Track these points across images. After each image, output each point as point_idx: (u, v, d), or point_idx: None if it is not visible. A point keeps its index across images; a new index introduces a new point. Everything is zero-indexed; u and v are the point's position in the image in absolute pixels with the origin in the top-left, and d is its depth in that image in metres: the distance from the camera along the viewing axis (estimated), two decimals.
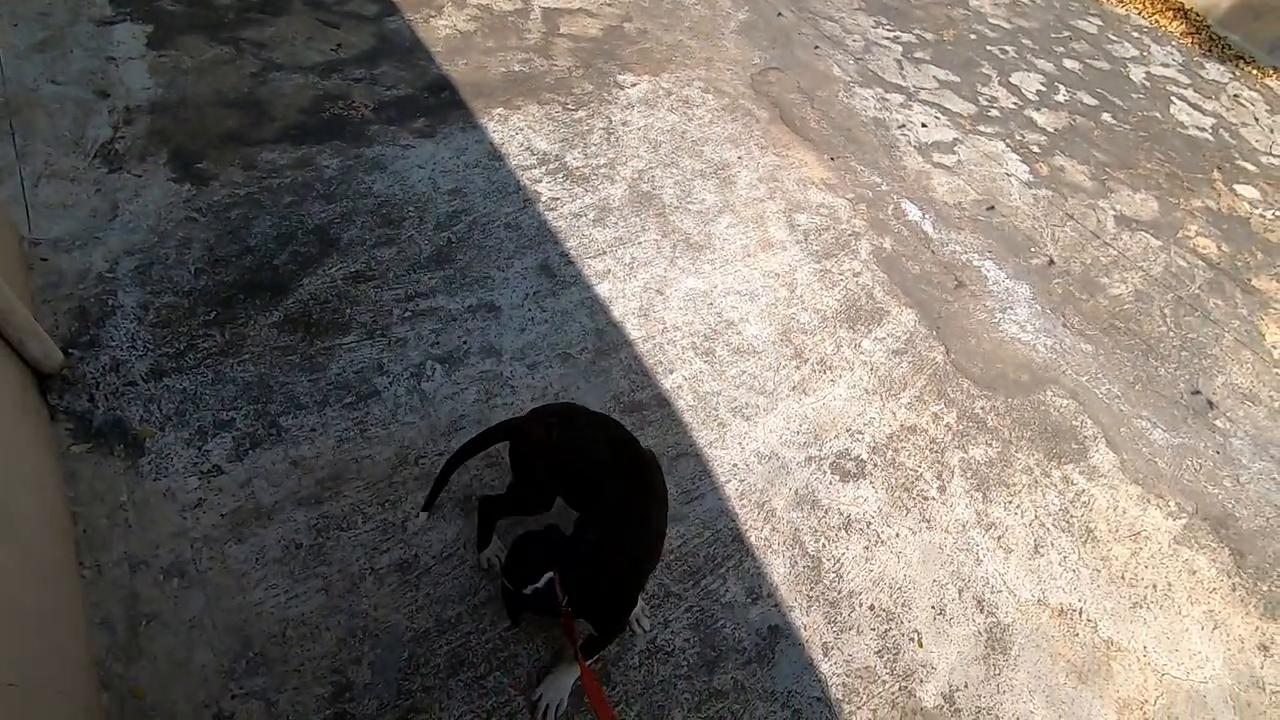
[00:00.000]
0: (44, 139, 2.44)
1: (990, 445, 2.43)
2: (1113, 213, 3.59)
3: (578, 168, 2.92)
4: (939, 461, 2.34)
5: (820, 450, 2.27)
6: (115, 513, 1.71)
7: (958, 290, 2.94)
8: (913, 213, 3.23)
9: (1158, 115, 4.47)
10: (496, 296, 2.38)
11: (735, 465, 2.16)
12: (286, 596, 1.67)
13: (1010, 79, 4.35)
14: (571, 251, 2.60)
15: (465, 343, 2.24)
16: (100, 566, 1.62)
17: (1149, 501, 2.42)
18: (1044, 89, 4.37)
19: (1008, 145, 3.82)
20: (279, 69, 2.93)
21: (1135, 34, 5.36)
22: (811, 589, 1.95)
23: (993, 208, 3.40)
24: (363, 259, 2.37)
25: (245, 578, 1.67)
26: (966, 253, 3.12)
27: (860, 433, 2.35)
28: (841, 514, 2.13)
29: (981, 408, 2.53)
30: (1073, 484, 2.40)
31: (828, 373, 2.49)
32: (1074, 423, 2.58)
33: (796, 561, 2.00)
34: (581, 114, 3.17)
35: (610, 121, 3.18)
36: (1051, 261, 3.22)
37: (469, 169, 2.77)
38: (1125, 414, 2.67)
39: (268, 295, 2.20)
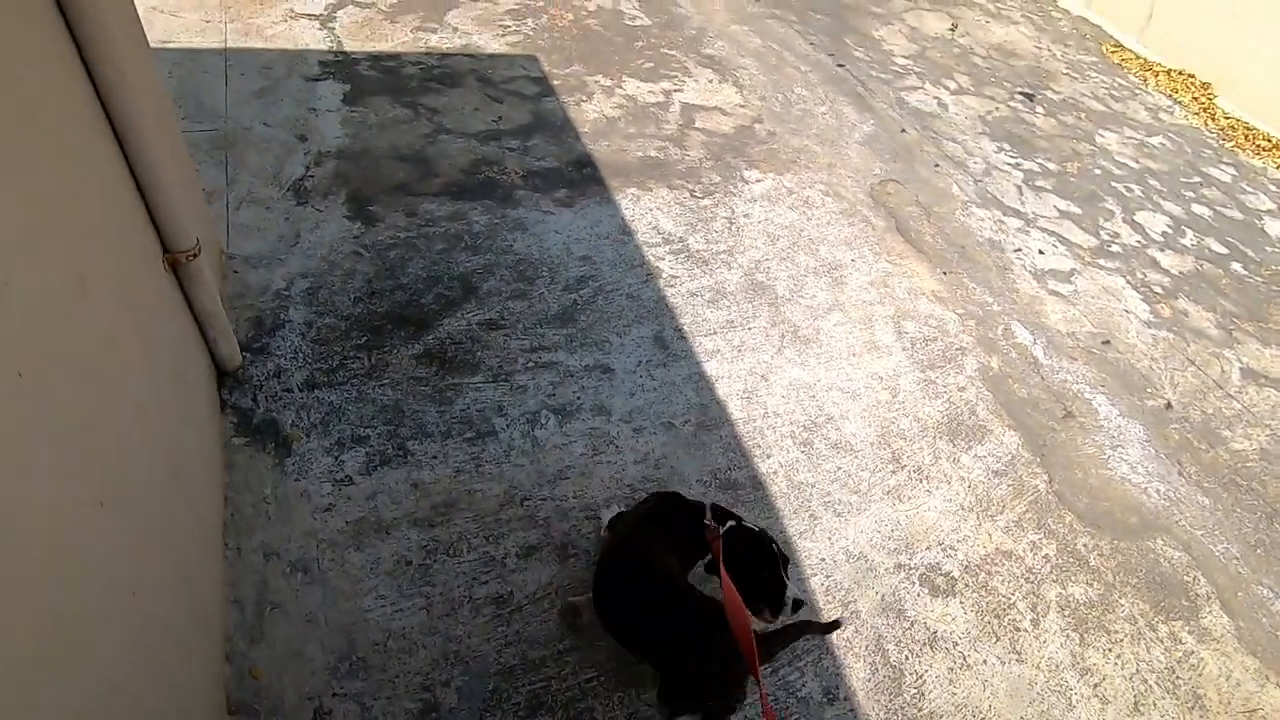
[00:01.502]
0: (250, 171, 2.83)
1: (1091, 586, 2.33)
2: (1239, 364, 3.45)
3: (699, 250, 3.10)
4: (1034, 593, 2.26)
5: (910, 560, 2.24)
6: (260, 504, 1.89)
7: (1066, 420, 2.88)
8: (1023, 335, 3.22)
9: None
10: (612, 360, 2.53)
11: (823, 560, 2.17)
12: (392, 608, 1.78)
13: (1134, 217, 4.32)
14: (685, 327, 2.74)
15: (579, 398, 2.38)
16: (240, 550, 1.80)
17: (1267, 678, 2.23)
18: (1170, 231, 4.31)
19: (1128, 282, 3.77)
20: (447, 132, 3.30)
21: (1273, 187, 5.23)
22: (891, 700, 1.90)
23: (1108, 342, 3.35)
24: (497, 308, 2.59)
25: (359, 584, 1.81)
26: (1078, 384, 3.06)
27: (953, 549, 2.31)
28: (928, 629, 2.09)
29: (1084, 545, 2.44)
30: (1181, 643, 2.25)
31: (924, 482, 2.47)
32: (1185, 578, 2.44)
33: (878, 669, 1.96)
34: (707, 202, 3.39)
35: (733, 212, 3.37)
36: (1169, 405, 3.12)
37: (600, 239, 2.99)
38: (1244, 577, 2.50)
39: (412, 329, 2.43)
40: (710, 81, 4.29)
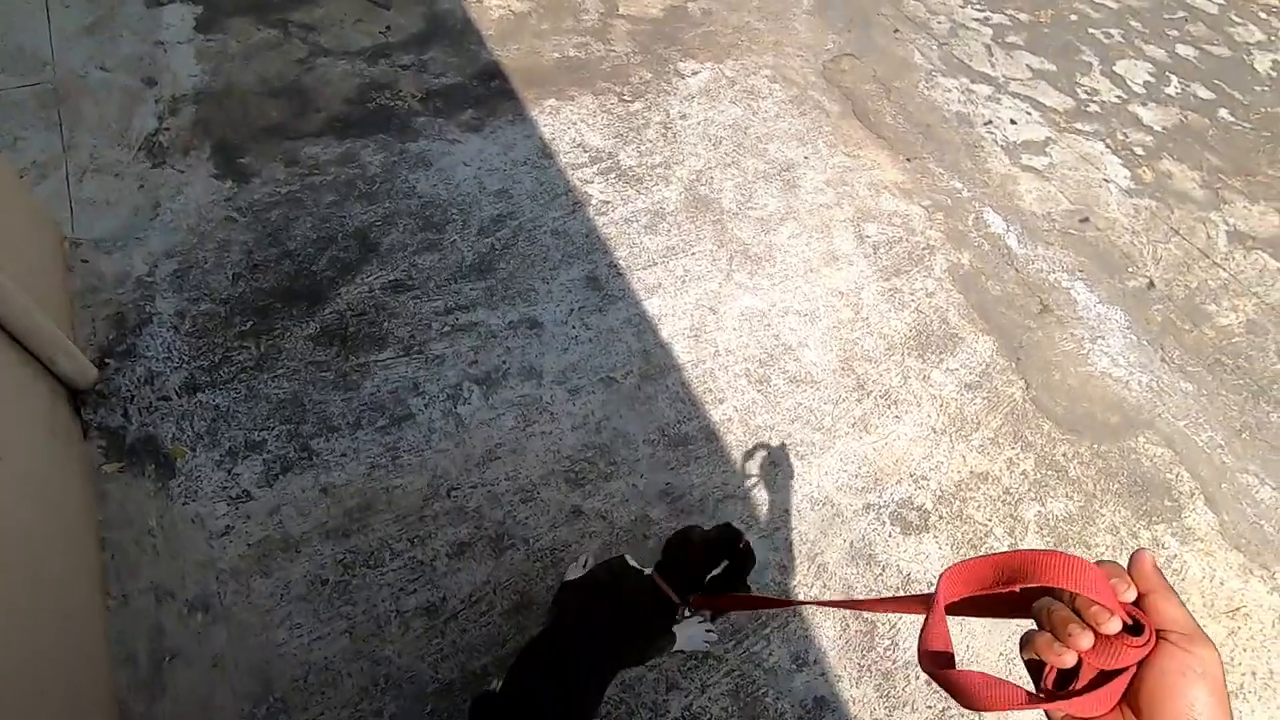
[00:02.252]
0: (91, 129, 2.39)
1: (1071, 499, 2.20)
2: (1225, 227, 3.21)
3: (631, 167, 2.74)
4: (1012, 515, 2.14)
5: (880, 497, 2.09)
6: (144, 538, 1.67)
7: (1042, 315, 2.67)
8: (996, 224, 2.94)
9: None
10: (539, 311, 2.25)
11: (786, 510, 2.01)
12: (310, 638, 1.61)
13: (1114, 68, 3.92)
14: (621, 262, 2.44)
15: (505, 362, 2.12)
16: (127, 596, 1.59)
17: (1251, 572, 2.16)
18: (1153, 80, 3.93)
19: (1108, 146, 3.45)
20: (326, 54, 2.82)
21: (1263, 14, 4.77)
22: (863, 657, 1.80)
23: (1087, 219, 3.08)
24: (403, 266, 2.27)
25: (269, 614, 1.62)
26: (1055, 272, 2.83)
27: (925, 479, 2.15)
28: (901, 572, 1.96)
29: (1063, 454, 2.30)
30: (1164, 547, 2.16)
31: (892, 408, 2.29)
32: (1168, 475, 2.33)
33: (849, 625, 1.84)
34: (638, 106, 2.98)
35: (668, 115, 2.97)
36: (1151, 284, 2.90)
37: (517, 167, 2.62)
38: (1229, 467, 2.39)
39: (305, 305, 2.13)
40: None
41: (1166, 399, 2.53)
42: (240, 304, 2.09)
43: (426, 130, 2.66)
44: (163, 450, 1.79)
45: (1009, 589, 0.53)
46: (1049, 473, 2.24)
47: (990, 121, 3.41)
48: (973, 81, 3.59)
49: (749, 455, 2.08)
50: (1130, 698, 0.50)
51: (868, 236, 2.75)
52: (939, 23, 3.91)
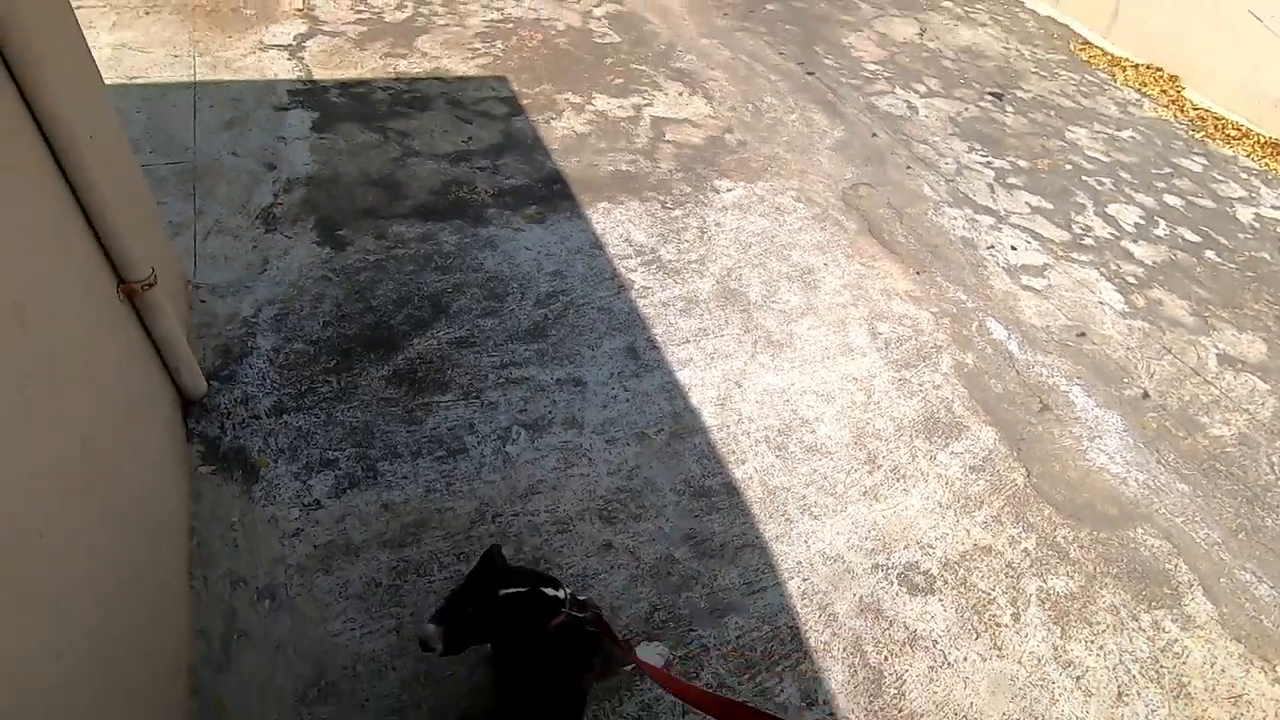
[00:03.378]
0: (218, 201, 2.85)
1: (1072, 578, 2.32)
2: (1215, 351, 3.46)
3: (670, 261, 3.11)
4: (1014, 588, 2.25)
5: (888, 559, 2.23)
6: (227, 532, 1.88)
7: (1042, 413, 2.88)
8: (998, 331, 3.23)
9: (1266, 256, 4.34)
10: (584, 373, 2.54)
11: (799, 563, 2.16)
12: (362, 632, 1.77)
13: (1106, 210, 4.36)
14: (657, 337, 2.74)
15: (550, 412, 2.38)
16: (207, 580, 1.78)
17: (1251, 663, 2.22)
18: (1143, 222, 4.34)
19: (1102, 274, 3.79)
20: (417, 155, 3.32)
21: (1243, 175, 5.28)
22: (870, 703, 1.89)
23: (1083, 334, 3.36)
24: (467, 327, 2.59)
25: (328, 608, 1.79)
26: (1053, 376, 3.07)
27: (931, 547, 2.30)
28: (907, 628, 2.07)
29: (1064, 537, 2.44)
30: (1164, 631, 2.24)
31: (901, 481, 2.47)
32: (1167, 566, 2.44)
33: (857, 671, 1.94)
34: (678, 213, 3.41)
35: (704, 221, 3.39)
36: (1146, 394, 3.12)
37: (571, 254, 3.00)
38: (1226, 563, 2.49)
39: (381, 351, 2.43)
40: (680, 94, 4.33)
41: (1163, 497, 2.67)
42: (327, 346, 2.41)
43: (495, 220, 3.08)
44: (250, 460, 2.04)
45: None
46: (1050, 552, 2.38)
47: (992, 246, 3.79)
48: (976, 213, 4.02)
49: (766, 510, 2.26)
50: None
51: (880, 334, 3.05)
52: (946, 164, 4.42)
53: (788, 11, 5.82)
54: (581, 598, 1.54)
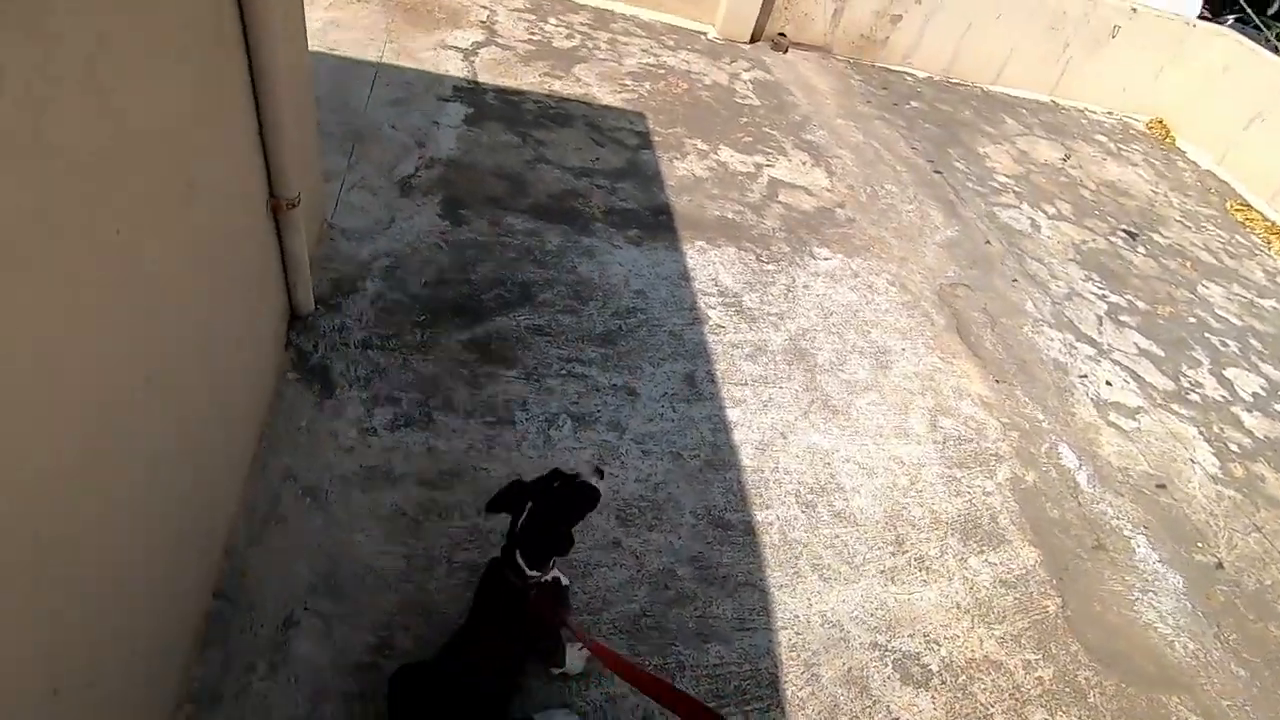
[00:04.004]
0: (370, 162, 3.22)
1: None
2: None
3: (750, 308, 3.22)
4: (1017, 713, 2.14)
5: (889, 642, 2.18)
6: (294, 432, 2.11)
7: (1096, 550, 2.74)
8: (1069, 458, 3.10)
9: None
10: (640, 385, 2.66)
11: (797, 617, 2.15)
12: (378, 549, 1.93)
13: (1224, 372, 4.10)
14: (718, 373, 2.84)
15: (599, 411, 2.51)
16: (265, 467, 2.01)
17: None
18: (1263, 394, 4.06)
19: (1201, 433, 3.57)
20: (547, 162, 3.63)
21: None
22: None
23: (1164, 486, 3.17)
24: (547, 317, 2.78)
25: (356, 521, 1.97)
26: (1118, 519, 2.91)
27: (937, 644, 2.23)
28: (890, 713, 2.01)
29: (1086, 679, 2.29)
30: None
31: (923, 572, 2.42)
32: None
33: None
34: (771, 267, 3.52)
35: (794, 281, 3.49)
36: (1220, 565, 2.90)
37: (658, 279, 3.17)
38: None
39: (466, 319, 2.66)
40: (803, 163, 4.50)
41: (1213, 674, 2.46)
42: (422, 303, 2.66)
43: (599, 233, 3.31)
44: (330, 379, 2.28)
45: None
46: (1066, 689, 2.24)
47: (1086, 376, 3.66)
48: (1077, 340, 3.90)
49: (778, 559, 2.27)
50: None
51: (941, 427, 3.01)
52: (1058, 286, 4.32)
53: (932, 112, 5.91)
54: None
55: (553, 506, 1.58)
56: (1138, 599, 2.62)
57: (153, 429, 1.31)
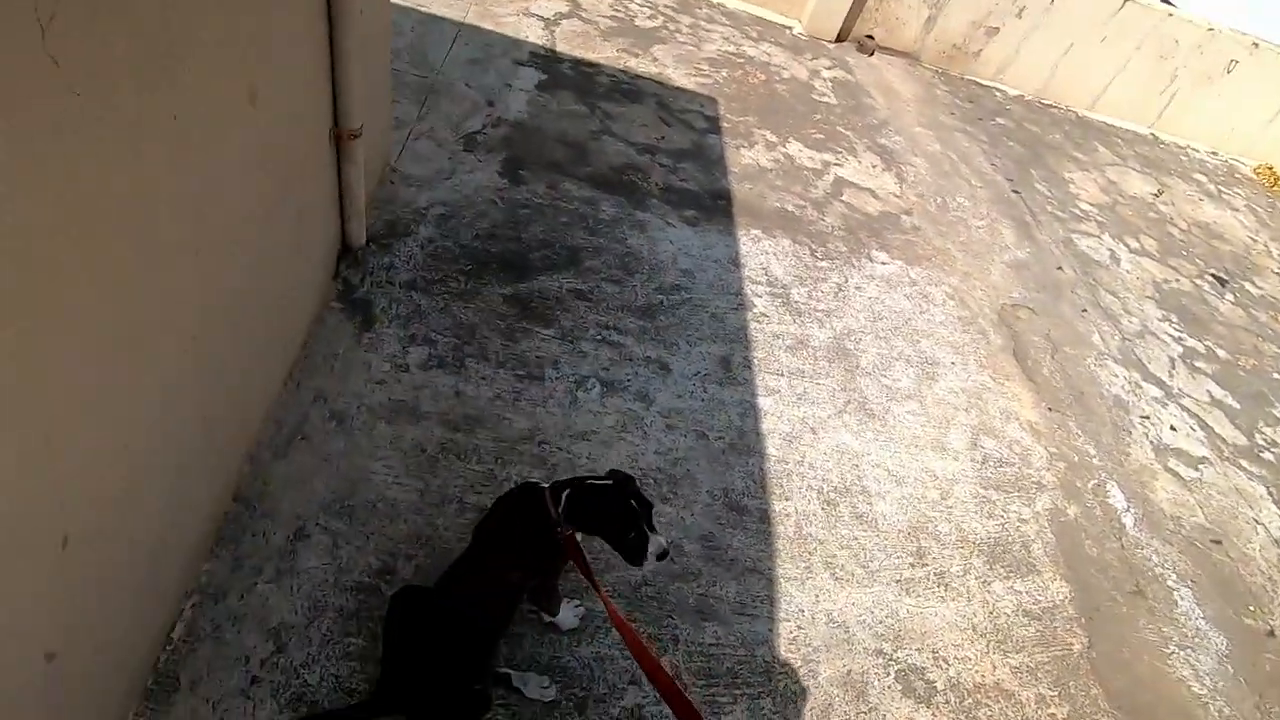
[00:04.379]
0: (439, 115, 3.28)
1: None
2: None
3: (798, 301, 3.15)
4: None
5: (895, 651, 2.10)
6: (329, 358, 2.17)
7: (1134, 596, 2.58)
8: (1117, 499, 2.93)
9: None
10: (674, 361, 2.63)
11: (802, 611, 2.09)
12: (393, 480, 1.96)
13: None
14: (755, 360, 2.78)
15: (629, 381, 2.50)
16: (298, 385, 2.06)
17: None
18: None
19: (1271, 494, 3.32)
20: (612, 135, 3.62)
21: None
22: None
23: (1219, 542, 2.96)
24: (591, 284, 2.78)
25: (377, 450, 2.01)
26: (1163, 568, 2.74)
27: (946, 663, 2.13)
28: None
29: None
30: None
31: (941, 589, 2.32)
32: None
33: None
34: (825, 264, 3.44)
35: (846, 281, 3.39)
36: (1273, 633, 2.69)
37: (707, 261, 3.13)
38: None
39: (512, 274, 2.68)
40: (873, 167, 4.37)
41: None
42: (470, 253, 2.69)
43: (654, 209, 3.29)
44: (371, 313, 2.34)
45: None
46: None
47: (1148, 418, 3.45)
48: (1144, 380, 3.68)
49: (790, 551, 2.22)
50: None
51: (982, 447, 2.88)
52: (1130, 322, 4.08)
53: (1018, 131, 5.68)
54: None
55: (612, 499, 1.52)
56: (1173, 653, 2.46)
57: (205, 324, 1.36)
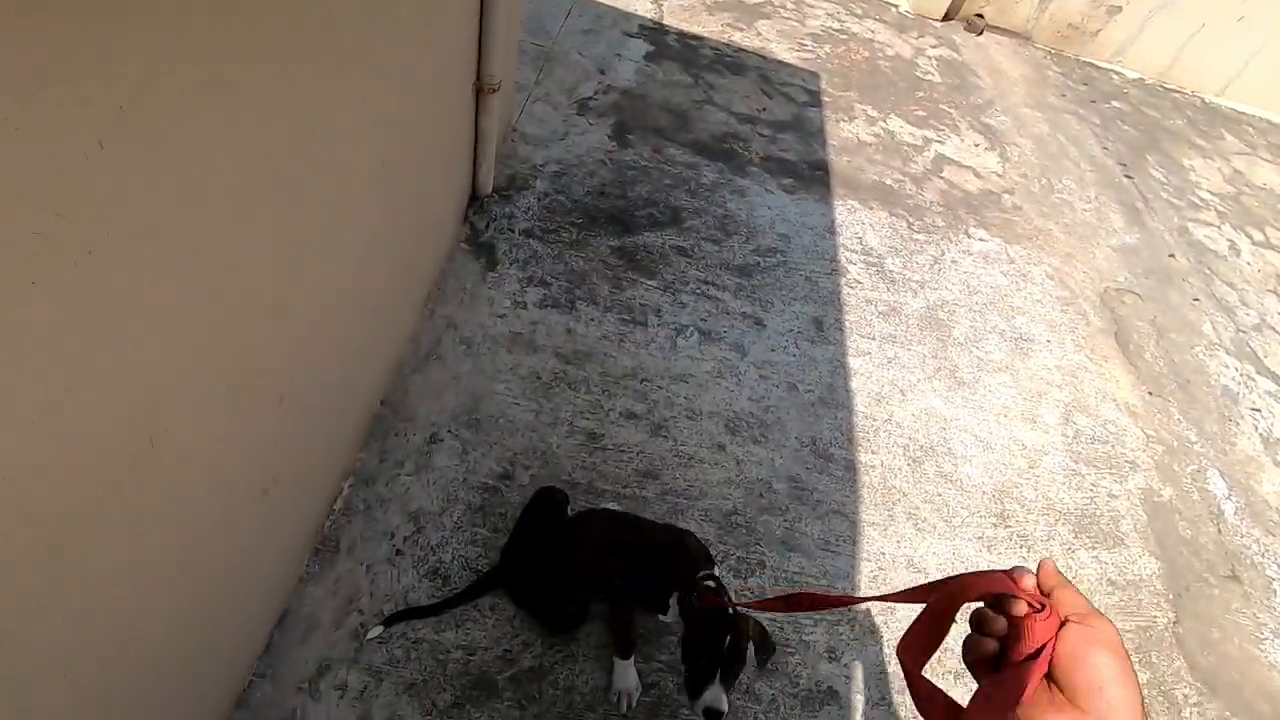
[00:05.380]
0: (554, 81, 3.49)
1: None
2: None
3: (892, 271, 3.19)
4: None
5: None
6: (459, 291, 2.41)
7: (1228, 581, 2.53)
8: (1217, 486, 2.86)
9: None
10: (768, 318, 2.75)
11: (882, 554, 2.19)
12: (512, 401, 2.18)
13: None
14: (847, 323, 2.87)
15: (725, 332, 2.63)
16: (433, 312, 2.31)
17: None
18: None
19: None
20: (714, 105, 3.74)
21: None
22: (885, 694, 1.90)
23: None
24: (692, 241, 2.93)
25: (499, 373, 2.23)
26: (1263, 558, 2.66)
27: None
28: (959, 663, 2.02)
29: (1184, 695, 2.16)
30: None
31: (1024, 550, 2.36)
32: None
33: (889, 664, 1.96)
34: (921, 237, 3.46)
35: (942, 254, 3.40)
36: None
37: (804, 228, 3.22)
38: None
39: (619, 229, 2.86)
40: (976, 145, 4.31)
41: None
42: (581, 208, 2.88)
43: (754, 176, 3.39)
44: (494, 255, 2.56)
45: (946, 630, 0.65)
46: (1158, 697, 2.13)
47: (1259, 410, 3.31)
48: (1258, 372, 3.52)
49: (874, 499, 2.31)
50: (1051, 675, 0.55)
51: (1074, 423, 2.86)
52: (1246, 315, 3.89)
53: (1135, 115, 5.42)
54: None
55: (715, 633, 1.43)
56: (1267, 639, 2.41)
57: (370, 244, 1.59)
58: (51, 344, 0.73)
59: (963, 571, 0.65)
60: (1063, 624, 0.55)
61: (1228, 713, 2.17)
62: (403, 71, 1.58)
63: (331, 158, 1.30)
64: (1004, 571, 0.60)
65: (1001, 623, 0.59)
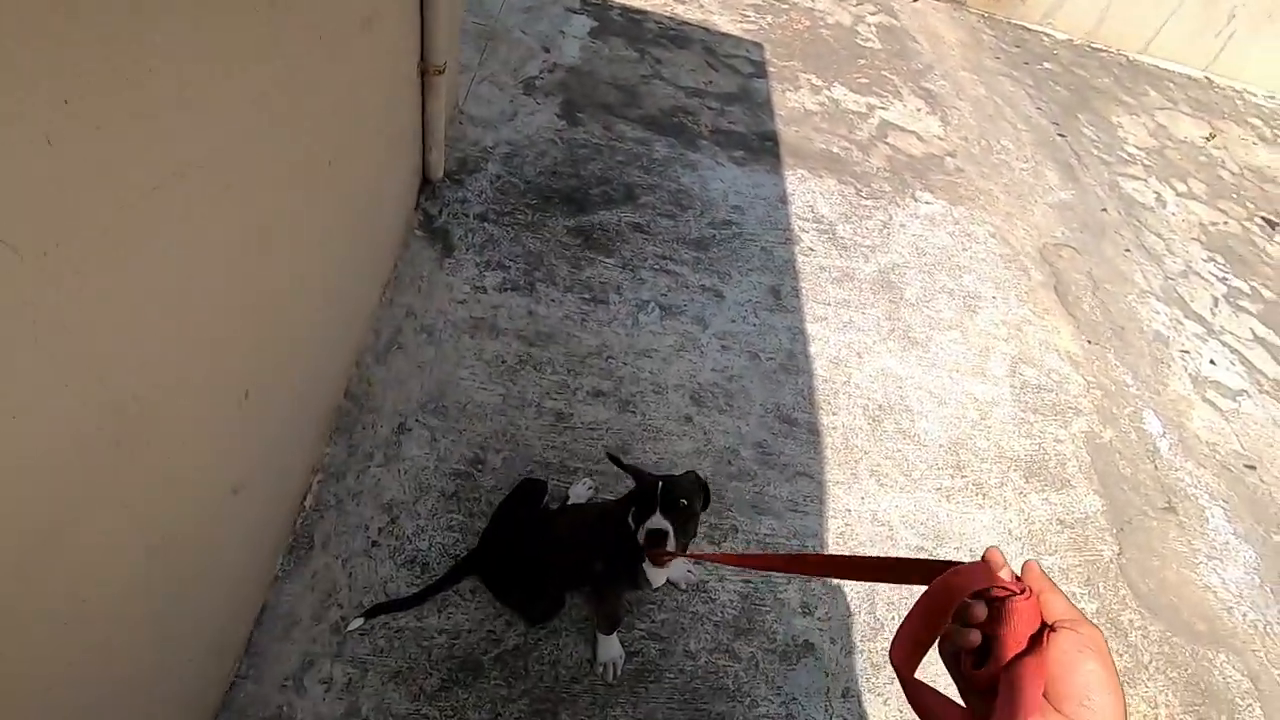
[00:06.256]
0: (498, 61, 3.43)
1: (1120, 654, 2.22)
2: None
3: (843, 237, 3.27)
4: None
5: (935, 548, 2.28)
6: (416, 279, 2.38)
7: (1165, 511, 2.71)
8: (1152, 424, 3.04)
9: None
10: (726, 289, 2.79)
11: (849, 510, 2.28)
12: (478, 385, 2.17)
13: None
14: (803, 290, 2.93)
15: (686, 306, 2.67)
16: (392, 301, 2.28)
17: None
18: None
19: None
20: (661, 79, 3.73)
21: None
22: (859, 642, 1.99)
23: (1253, 467, 3.05)
24: (647, 218, 2.94)
25: (463, 358, 2.22)
26: (1195, 489, 2.85)
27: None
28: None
29: (1130, 620, 2.32)
30: None
31: (979, 497, 2.48)
32: (1237, 700, 2.24)
33: (860, 614, 2.05)
34: (869, 203, 3.54)
35: (890, 218, 3.49)
36: None
37: (756, 199, 3.26)
38: None
39: (573, 208, 2.85)
40: (918, 110, 4.41)
41: (1270, 643, 2.43)
42: (534, 189, 2.86)
43: (704, 150, 3.41)
44: (450, 241, 2.53)
45: (942, 630, 0.62)
46: (1107, 624, 2.28)
47: (1188, 352, 3.52)
48: (1185, 317, 3.73)
49: (838, 459, 2.39)
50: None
51: (1021, 374, 3.00)
52: (1173, 263, 4.11)
53: (1065, 75, 5.60)
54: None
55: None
56: (1201, 563, 2.60)
57: (328, 232, 1.57)
58: (9, 349, 0.71)
59: (925, 557, 0.67)
60: (1052, 629, 0.56)
61: (1169, 633, 2.34)
62: (347, 55, 1.54)
63: (280, 147, 1.27)
64: (983, 564, 0.60)
65: (980, 609, 0.58)
